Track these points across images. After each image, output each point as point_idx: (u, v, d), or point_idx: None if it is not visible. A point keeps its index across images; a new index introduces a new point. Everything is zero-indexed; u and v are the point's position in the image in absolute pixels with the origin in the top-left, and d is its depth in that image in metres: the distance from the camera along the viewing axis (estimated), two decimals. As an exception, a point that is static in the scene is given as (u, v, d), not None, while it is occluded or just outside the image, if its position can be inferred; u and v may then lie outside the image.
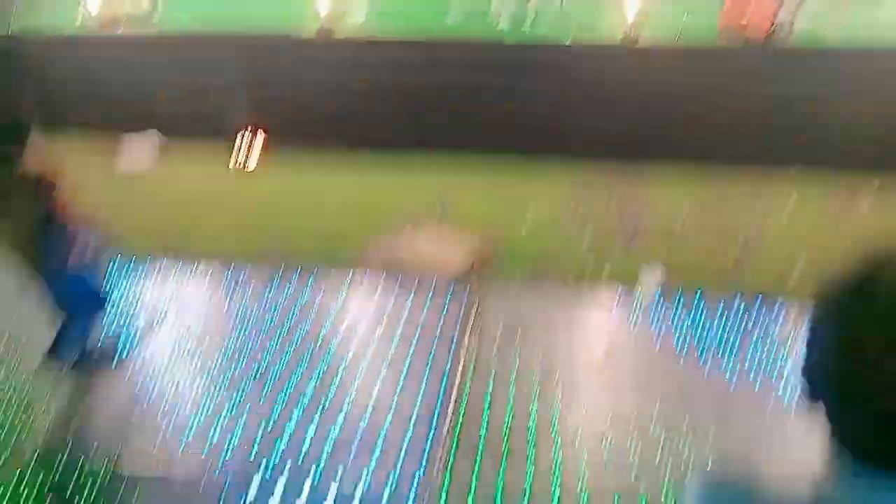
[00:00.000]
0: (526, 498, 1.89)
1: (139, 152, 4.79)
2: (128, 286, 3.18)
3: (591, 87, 4.38)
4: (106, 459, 1.98)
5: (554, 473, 2.00)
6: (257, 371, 2.53)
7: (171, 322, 2.90)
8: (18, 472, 1.94)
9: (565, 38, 4.54)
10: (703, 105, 4.27)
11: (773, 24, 4.24)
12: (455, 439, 2.13)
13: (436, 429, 2.18)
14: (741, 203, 3.97)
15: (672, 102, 4.30)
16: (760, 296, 2.99)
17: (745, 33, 4.32)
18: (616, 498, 1.91)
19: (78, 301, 2.05)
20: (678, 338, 2.79)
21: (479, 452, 2.06)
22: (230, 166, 4.75)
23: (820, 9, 4.66)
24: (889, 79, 4.10)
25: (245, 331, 2.88)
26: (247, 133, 4.79)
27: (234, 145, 4.79)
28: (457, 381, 2.45)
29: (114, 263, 2.99)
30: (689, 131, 4.32)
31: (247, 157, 4.79)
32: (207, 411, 2.27)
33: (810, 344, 0.51)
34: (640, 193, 4.12)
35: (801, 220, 3.79)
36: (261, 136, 4.81)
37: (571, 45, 4.51)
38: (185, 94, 4.80)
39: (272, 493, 1.88)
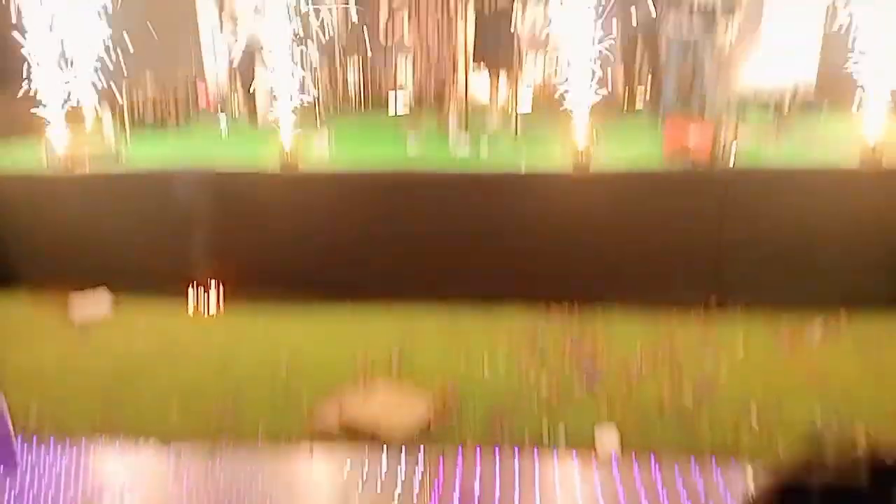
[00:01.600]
0: None
1: (88, 308, 4.79)
2: (51, 469, 3.04)
3: (547, 216, 4.53)
4: None
5: None
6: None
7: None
8: None
9: (519, 168, 4.71)
10: (654, 232, 4.45)
11: (714, 148, 4.47)
12: None
13: None
14: (692, 344, 4.09)
15: (624, 231, 4.47)
16: (714, 456, 3.04)
17: (690, 157, 4.55)
18: None
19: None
20: (635, 501, 2.80)
21: None
22: (188, 315, 4.76)
23: (759, 131, 5.12)
24: (828, 200, 4.29)
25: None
26: (204, 282, 4.81)
27: (190, 296, 4.80)
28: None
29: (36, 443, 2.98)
30: (642, 262, 4.47)
31: (203, 307, 4.81)
32: None
33: None
34: (597, 335, 4.22)
35: (751, 362, 3.91)
36: (218, 284, 4.84)
37: (526, 174, 4.67)
38: (143, 241, 4.84)
39: None
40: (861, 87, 4.52)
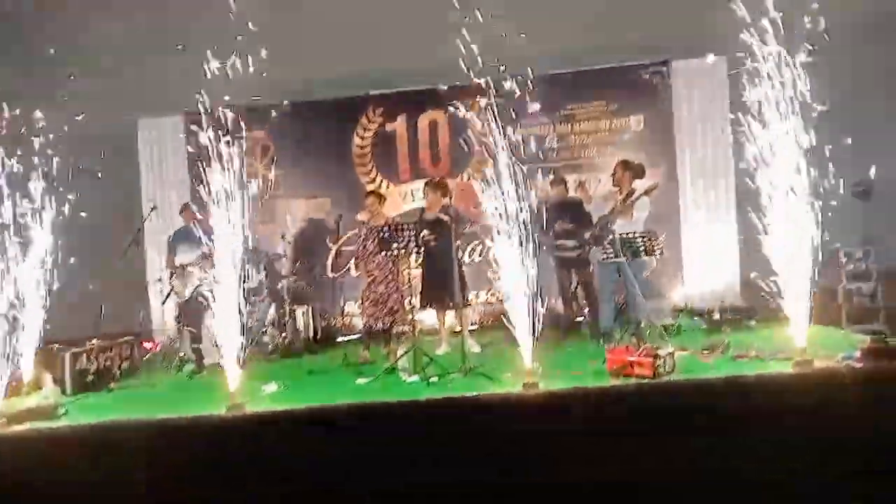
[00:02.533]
0: None
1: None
2: None
3: (499, 438, 4.44)
4: None
5: None
6: None
7: None
8: None
9: (469, 393, 4.79)
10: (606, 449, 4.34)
11: (655, 365, 4.66)
12: None
13: None
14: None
15: (577, 449, 4.37)
16: None
17: (633, 373, 4.73)
18: None
19: None
20: None
21: None
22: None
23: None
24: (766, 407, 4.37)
25: None
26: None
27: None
28: None
29: None
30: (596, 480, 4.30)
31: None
32: None
33: None
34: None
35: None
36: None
37: (479, 395, 4.73)
38: (86, 495, 4.49)
39: None
40: (780, 292, 4.85)
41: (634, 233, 5.98)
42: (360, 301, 6.85)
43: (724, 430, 4.33)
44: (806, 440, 4.24)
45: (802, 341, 4.71)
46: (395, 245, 5.87)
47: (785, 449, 4.25)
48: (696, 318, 7.10)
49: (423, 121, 8.32)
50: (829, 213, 5.05)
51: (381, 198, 6.96)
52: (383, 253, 6.05)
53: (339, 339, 7.86)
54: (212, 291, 5.01)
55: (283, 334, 7.49)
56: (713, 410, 4.42)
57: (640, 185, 6.53)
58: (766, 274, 4.97)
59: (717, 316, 6.71)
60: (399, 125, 8.37)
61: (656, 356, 4.71)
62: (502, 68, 5.77)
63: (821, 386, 4.46)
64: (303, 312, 7.74)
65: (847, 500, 4.14)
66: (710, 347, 5.57)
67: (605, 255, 6.12)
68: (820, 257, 4.79)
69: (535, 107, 7.99)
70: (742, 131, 5.00)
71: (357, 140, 8.40)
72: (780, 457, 4.24)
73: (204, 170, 5.06)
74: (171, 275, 6.94)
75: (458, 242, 6.50)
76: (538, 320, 4.99)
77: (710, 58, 7.54)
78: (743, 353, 5.24)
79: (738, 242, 7.64)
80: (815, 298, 4.89)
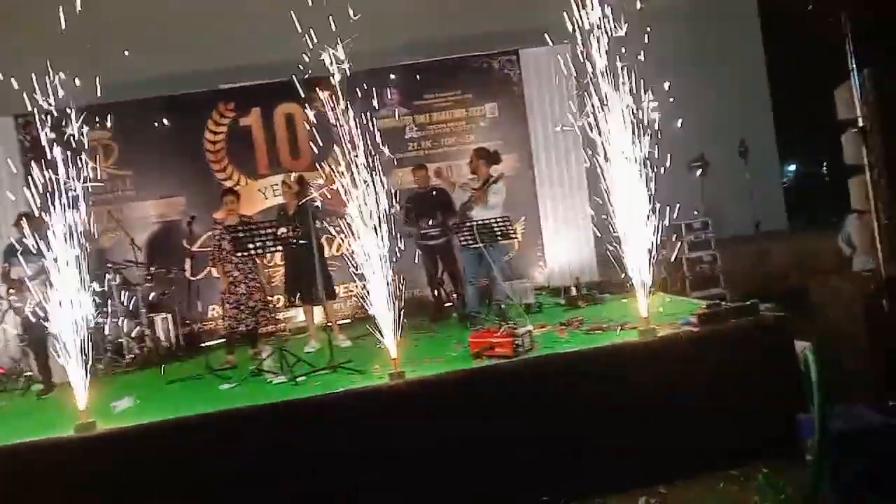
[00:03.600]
0: None
1: None
2: None
3: (365, 433, 4.46)
4: None
5: None
6: None
7: None
8: None
9: (335, 389, 4.73)
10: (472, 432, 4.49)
11: (514, 344, 4.83)
12: None
13: None
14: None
15: (441, 434, 4.48)
16: None
17: (495, 354, 4.87)
18: None
19: None
20: None
21: None
22: None
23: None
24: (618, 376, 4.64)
25: None
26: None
27: None
28: None
29: None
30: (467, 465, 4.44)
31: None
32: None
33: None
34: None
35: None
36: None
37: (342, 393, 4.67)
38: None
39: None
40: (626, 268, 5.16)
41: (491, 219, 6.16)
42: (221, 304, 6.63)
43: (578, 399, 4.58)
44: (648, 402, 4.56)
45: (645, 311, 5.03)
46: (250, 244, 5.70)
47: (630, 411, 4.56)
48: (555, 296, 7.43)
49: (279, 114, 8.11)
50: (669, 188, 5.43)
51: (238, 195, 6.77)
52: (239, 253, 5.87)
53: (204, 344, 7.55)
54: (51, 306, 4.66)
55: (142, 344, 7.11)
56: (567, 381, 4.66)
57: (496, 170, 6.73)
58: (615, 249, 5.26)
59: (573, 292, 7.04)
60: (253, 119, 8.12)
61: (515, 335, 4.88)
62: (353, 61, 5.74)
63: (660, 350, 4.79)
64: (162, 319, 7.37)
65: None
66: (566, 322, 5.84)
67: (464, 242, 6.25)
68: (661, 230, 5.12)
69: (392, 96, 8.03)
70: (587, 112, 5.24)
71: (209, 136, 8.07)
72: (627, 419, 4.55)
73: (35, 176, 4.69)
74: (8, 290, 6.39)
75: (321, 237, 6.45)
76: (404, 309, 5.04)
77: (554, 45, 7.85)
78: (595, 326, 5.54)
79: (590, 220, 8.03)
80: (662, 269, 5.24)
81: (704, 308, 5.10)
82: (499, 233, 6.10)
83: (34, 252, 5.88)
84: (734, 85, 9.27)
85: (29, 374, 6.60)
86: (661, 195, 5.26)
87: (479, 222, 6.11)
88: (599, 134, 5.19)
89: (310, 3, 5.53)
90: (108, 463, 4.38)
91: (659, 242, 5.14)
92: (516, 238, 6.57)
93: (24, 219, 6.40)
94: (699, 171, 8.51)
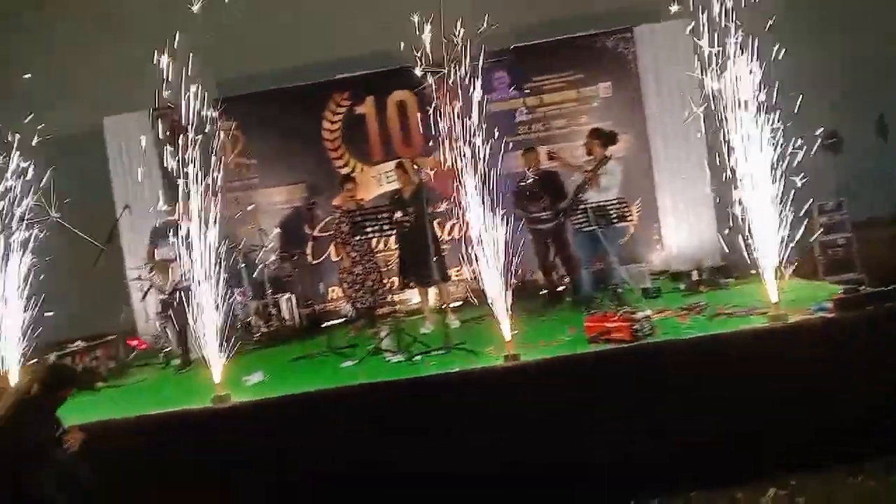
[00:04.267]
0: None
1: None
2: None
3: (485, 412, 4.52)
4: None
5: None
6: None
7: None
8: None
9: (453, 369, 4.86)
10: (593, 417, 4.46)
11: (633, 329, 4.71)
12: None
13: None
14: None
15: (557, 419, 4.48)
16: None
17: (612, 338, 4.78)
18: None
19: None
20: None
21: None
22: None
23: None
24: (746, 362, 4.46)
25: None
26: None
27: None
28: None
29: None
30: (588, 452, 4.41)
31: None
32: None
33: None
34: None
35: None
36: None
37: (459, 371, 4.79)
38: None
39: None
40: (755, 250, 4.92)
41: (606, 201, 6.03)
42: (339, 284, 6.93)
43: (702, 387, 4.42)
44: (779, 391, 4.34)
45: (776, 296, 4.78)
46: (368, 228, 5.93)
47: (759, 401, 4.35)
48: (674, 281, 7.19)
49: (392, 102, 8.27)
50: (801, 167, 5.13)
51: (355, 182, 7.15)
52: (357, 237, 6.13)
53: (324, 324, 7.87)
54: (191, 286, 5.02)
55: (268, 323, 7.51)
56: (692, 369, 4.51)
57: (613, 151, 6.58)
58: (740, 231, 5.03)
59: (695, 277, 6.78)
60: (367, 107, 8.32)
61: (633, 320, 4.77)
62: (468, 43, 5.76)
63: (794, 337, 4.54)
64: (286, 300, 7.75)
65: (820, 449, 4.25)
66: (688, 308, 5.65)
67: (578, 225, 6.16)
68: (792, 212, 4.85)
69: (502, 79, 8.00)
70: (707, 91, 5.02)
71: (326, 125, 8.35)
72: (755, 409, 4.35)
73: (173, 165, 5.03)
74: (151, 269, 6.90)
75: (435, 220, 6.58)
76: (517, 293, 5.05)
77: (673, 21, 7.54)
78: (720, 312, 5.32)
79: (712, 202, 7.68)
80: (792, 252, 4.96)
81: (841, 293, 4.79)
82: (614, 215, 5.96)
83: (175, 236, 6.33)
84: (872, 55, 8.55)
85: (168, 349, 7.11)
86: (790, 174, 4.99)
87: (594, 204, 6.00)
88: (724, 109, 4.96)
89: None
90: (242, 433, 4.68)
91: (788, 224, 4.88)
92: (632, 220, 6.39)
93: (179, 205, 6.87)
94: (833, 149, 7.93)
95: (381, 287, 6.85)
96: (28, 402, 3.86)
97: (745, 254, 4.96)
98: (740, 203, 4.94)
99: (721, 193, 5.18)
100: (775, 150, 4.83)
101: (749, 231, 4.91)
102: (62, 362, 4.34)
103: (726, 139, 4.96)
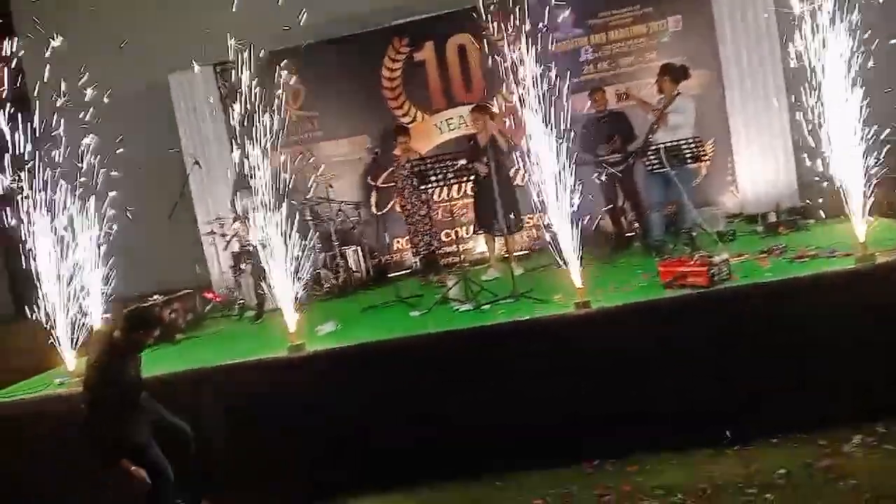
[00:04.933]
0: None
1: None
2: None
3: (557, 361, 4.50)
4: None
5: None
6: None
7: None
8: None
9: (522, 316, 4.82)
10: (669, 365, 4.38)
11: (710, 273, 4.54)
12: None
13: None
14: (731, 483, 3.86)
15: (637, 368, 4.41)
16: None
17: (688, 283, 4.62)
18: None
19: None
20: None
21: None
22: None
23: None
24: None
25: None
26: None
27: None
28: None
29: None
30: (666, 400, 4.34)
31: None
32: None
33: None
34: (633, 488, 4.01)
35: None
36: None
37: (530, 318, 4.75)
38: None
39: None
40: (840, 188, 4.66)
41: (680, 140, 5.78)
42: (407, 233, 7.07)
43: (787, 330, 4.26)
44: (872, 336, 4.15)
45: (863, 236, 4.53)
46: (432, 177, 5.87)
47: (851, 347, 4.17)
48: (750, 224, 6.90)
49: (451, 46, 8.06)
50: (887, 101, 4.81)
51: (407, 132, 7.21)
52: (422, 186, 6.10)
53: (391, 274, 7.94)
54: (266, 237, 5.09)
55: (337, 274, 7.61)
56: (774, 313, 4.35)
57: (685, 88, 6.29)
58: (822, 170, 4.76)
59: (772, 219, 6.49)
60: (427, 53, 8.14)
61: (710, 264, 4.61)
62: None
63: (881, 279, 4.31)
64: (353, 252, 7.83)
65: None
66: (767, 251, 5.42)
67: (650, 166, 5.94)
68: (877, 148, 4.56)
69: (565, 17, 7.68)
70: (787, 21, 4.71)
71: (386, 73, 8.23)
72: (840, 353, 4.18)
73: (241, 117, 5.06)
74: (234, 220, 7.07)
75: (510, 168, 6.48)
76: (585, 238, 4.94)
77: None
78: (802, 254, 5.09)
79: (791, 140, 7.29)
80: (876, 191, 4.69)
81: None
82: (688, 155, 5.72)
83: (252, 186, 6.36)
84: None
85: (242, 301, 7.32)
86: (875, 109, 4.68)
87: (667, 144, 5.76)
88: (803, 39, 4.66)
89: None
90: (316, 381, 4.79)
91: (875, 161, 4.60)
92: (707, 161, 6.11)
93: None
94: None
95: (436, 235, 7.15)
96: (112, 345, 4.01)
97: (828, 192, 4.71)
98: (821, 139, 4.68)
99: (800, 131, 4.89)
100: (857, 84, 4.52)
101: (831, 168, 4.65)
102: (139, 305, 4.45)
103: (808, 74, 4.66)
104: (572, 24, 7.76)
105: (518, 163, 5.63)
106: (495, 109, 7.19)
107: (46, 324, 5.37)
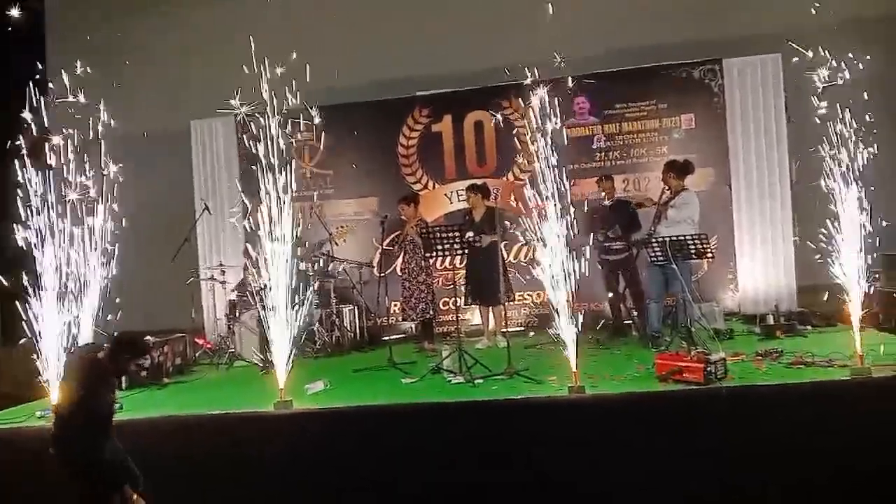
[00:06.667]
0: None
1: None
2: None
3: (547, 442, 4.44)
4: None
5: None
6: None
7: None
8: None
9: (515, 396, 4.80)
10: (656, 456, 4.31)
11: (706, 370, 4.55)
12: None
13: None
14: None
15: (626, 456, 4.35)
16: None
17: (683, 378, 4.62)
18: None
19: None
20: None
21: None
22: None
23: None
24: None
25: None
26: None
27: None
28: None
29: None
30: (645, 488, 4.27)
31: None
32: None
33: None
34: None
35: None
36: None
37: (522, 399, 4.72)
38: None
39: None
40: (841, 296, 4.71)
41: (684, 235, 5.86)
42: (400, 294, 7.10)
43: (777, 437, 4.22)
44: (863, 449, 4.10)
45: (860, 347, 4.54)
46: (438, 245, 5.94)
47: (847, 456, 4.12)
48: (748, 324, 6.91)
49: (469, 121, 8.28)
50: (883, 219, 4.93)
51: (411, 203, 7.24)
52: (426, 253, 6.18)
53: (385, 338, 7.89)
54: (261, 290, 5.10)
55: (331, 332, 7.57)
56: (767, 417, 4.31)
57: (691, 184, 6.43)
58: (823, 279, 4.83)
59: (771, 321, 6.51)
60: (445, 125, 8.36)
61: (707, 361, 4.60)
62: (554, 62, 5.77)
63: (877, 394, 4.29)
64: (349, 311, 7.82)
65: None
66: (763, 353, 5.41)
67: (654, 258, 6.00)
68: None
69: (581, 104, 7.92)
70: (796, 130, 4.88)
71: (403, 140, 8.43)
72: (840, 466, 4.12)
73: (256, 171, 5.13)
74: (246, 267, 7.14)
75: (502, 243, 6.55)
76: (584, 322, 4.95)
77: (763, 56, 7.36)
78: (798, 360, 5.08)
79: (793, 245, 7.39)
80: (875, 304, 4.74)
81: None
82: (693, 250, 5.79)
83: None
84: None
85: (233, 350, 7.25)
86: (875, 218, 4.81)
87: (671, 238, 5.84)
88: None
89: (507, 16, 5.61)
90: (302, 440, 4.70)
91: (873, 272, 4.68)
92: (711, 257, 6.18)
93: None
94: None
95: (430, 304, 7.06)
96: (95, 366, 3.94)
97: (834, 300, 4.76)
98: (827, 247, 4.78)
99: (803, 237, 5.00)
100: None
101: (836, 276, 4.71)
102: (130, 331, 4.40)
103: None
104: (588, 111, 8.00)
105: (522, 239, 5.71)
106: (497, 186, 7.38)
107: (34, 354, 5.30)
